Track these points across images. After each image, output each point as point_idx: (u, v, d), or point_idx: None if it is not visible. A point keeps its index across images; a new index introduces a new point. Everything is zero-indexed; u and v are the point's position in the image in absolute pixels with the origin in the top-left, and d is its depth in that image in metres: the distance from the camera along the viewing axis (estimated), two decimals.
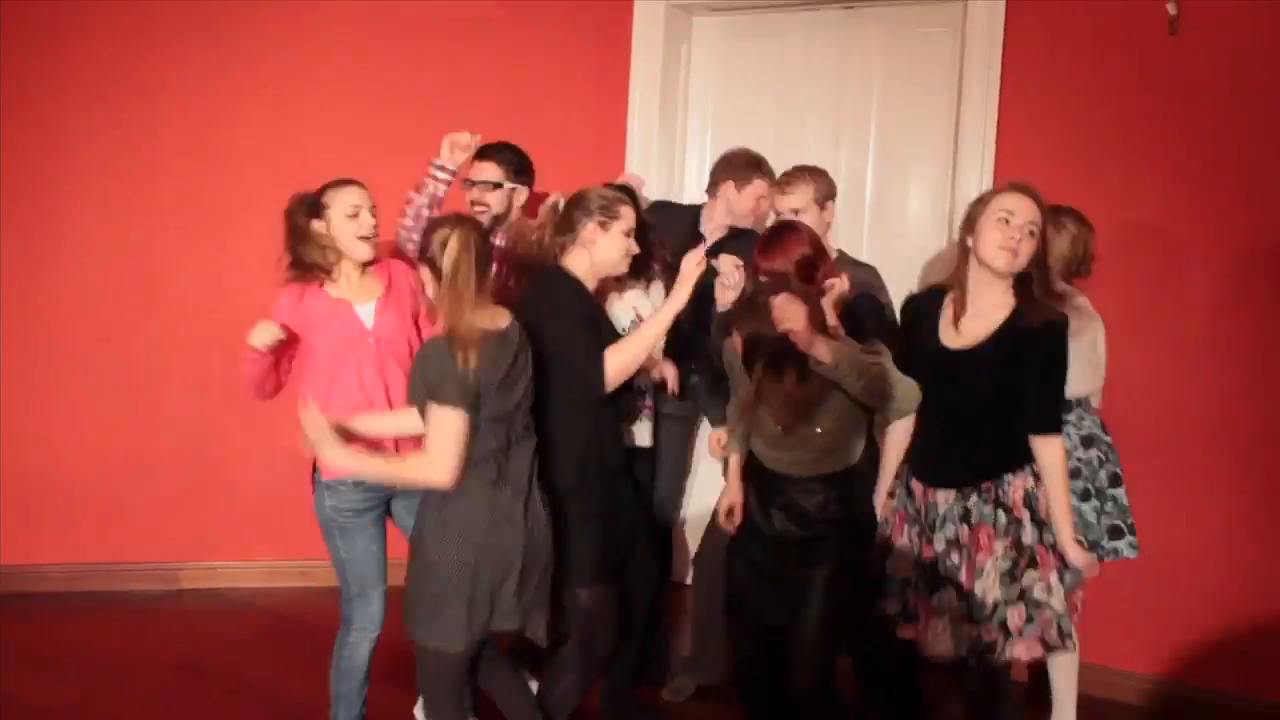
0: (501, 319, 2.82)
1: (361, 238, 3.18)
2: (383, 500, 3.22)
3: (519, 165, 3.78)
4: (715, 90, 4.98)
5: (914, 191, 4.57)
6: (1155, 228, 3.91)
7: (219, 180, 4.75)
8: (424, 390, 2.72)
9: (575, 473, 3.10)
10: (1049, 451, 2.91)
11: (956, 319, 2.97)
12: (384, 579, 3.27)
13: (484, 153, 3.73)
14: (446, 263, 2.74)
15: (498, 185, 3.72)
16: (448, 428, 2.69)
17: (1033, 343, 2.87)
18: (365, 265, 3.24)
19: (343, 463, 2.79)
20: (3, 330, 4.67)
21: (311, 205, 3.20)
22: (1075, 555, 2.89)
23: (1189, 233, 3.85)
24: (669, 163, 4.97)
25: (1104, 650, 3.93)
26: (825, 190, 3.57)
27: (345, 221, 3.17)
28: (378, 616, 3.27)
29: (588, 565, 3.12)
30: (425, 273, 2.83)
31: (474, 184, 3.73)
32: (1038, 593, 2.87)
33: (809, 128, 4.75)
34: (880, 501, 3.15)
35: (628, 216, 3.21)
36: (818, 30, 4.72)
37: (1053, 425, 2.93)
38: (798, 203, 3.51)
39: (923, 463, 3.06)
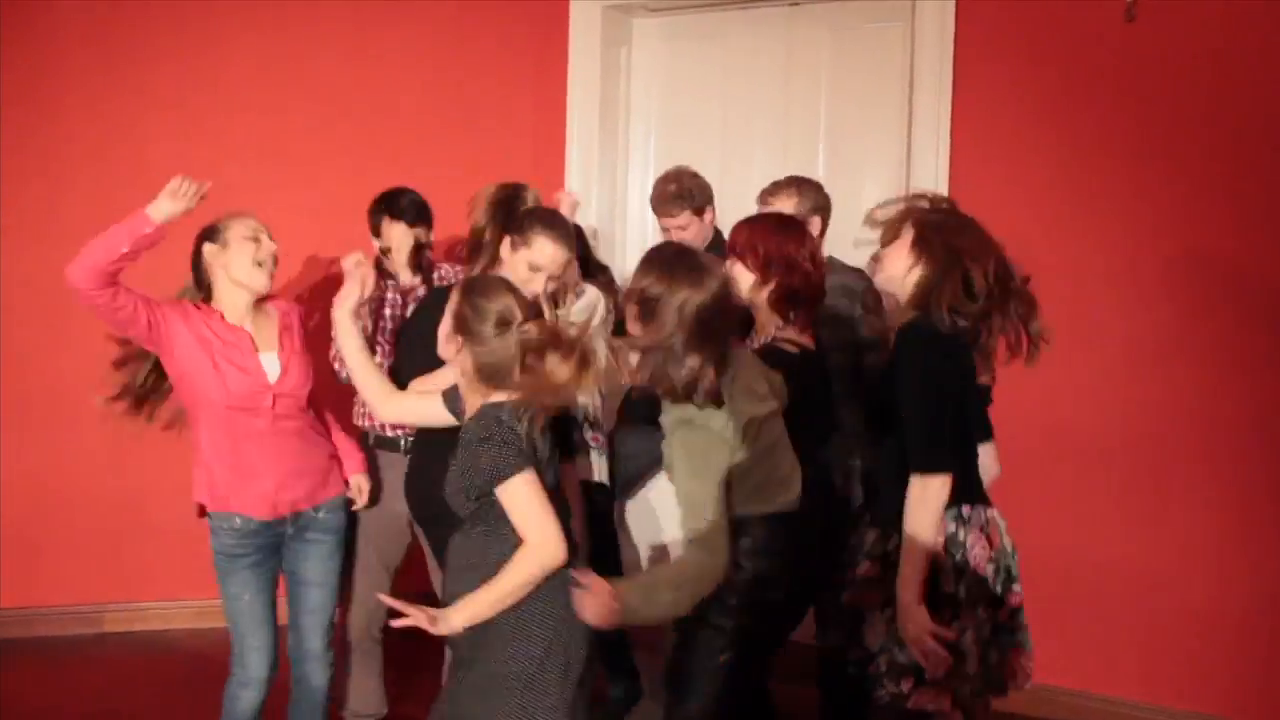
0: None
1: (257, 263, 2.98)
2: (263, 549, 3.04)
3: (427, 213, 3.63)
4: (658, 94, 4.83)
5: (868, 190, 4.39)
6: (1110, 224, 3.81)
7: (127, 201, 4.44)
8: (478, 476, 2.40)
9: None
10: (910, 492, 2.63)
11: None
12: (264, 631, 3.05)
13: (395, 211, 3.58)
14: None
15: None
16: (525, 497, 2.39)
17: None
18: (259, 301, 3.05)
19: (459, 620, 2.39)
20: None
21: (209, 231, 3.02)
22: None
23: (1150, 226, 3.75)
24: (611, 172, 4.81)
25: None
26: (813, 202, 3.42)
27: (243, 245, 2.97)
28: (256, 673, 3.05)
29: None
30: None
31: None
32: None
33: (756, 128, 4.60)
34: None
35: (539, 248, 2.99)
36: (762, 28, 4.58)
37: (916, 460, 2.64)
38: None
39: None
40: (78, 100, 4.49)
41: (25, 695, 3.99)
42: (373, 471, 3.37)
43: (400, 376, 3.05)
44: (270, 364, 3.04)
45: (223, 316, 3.02)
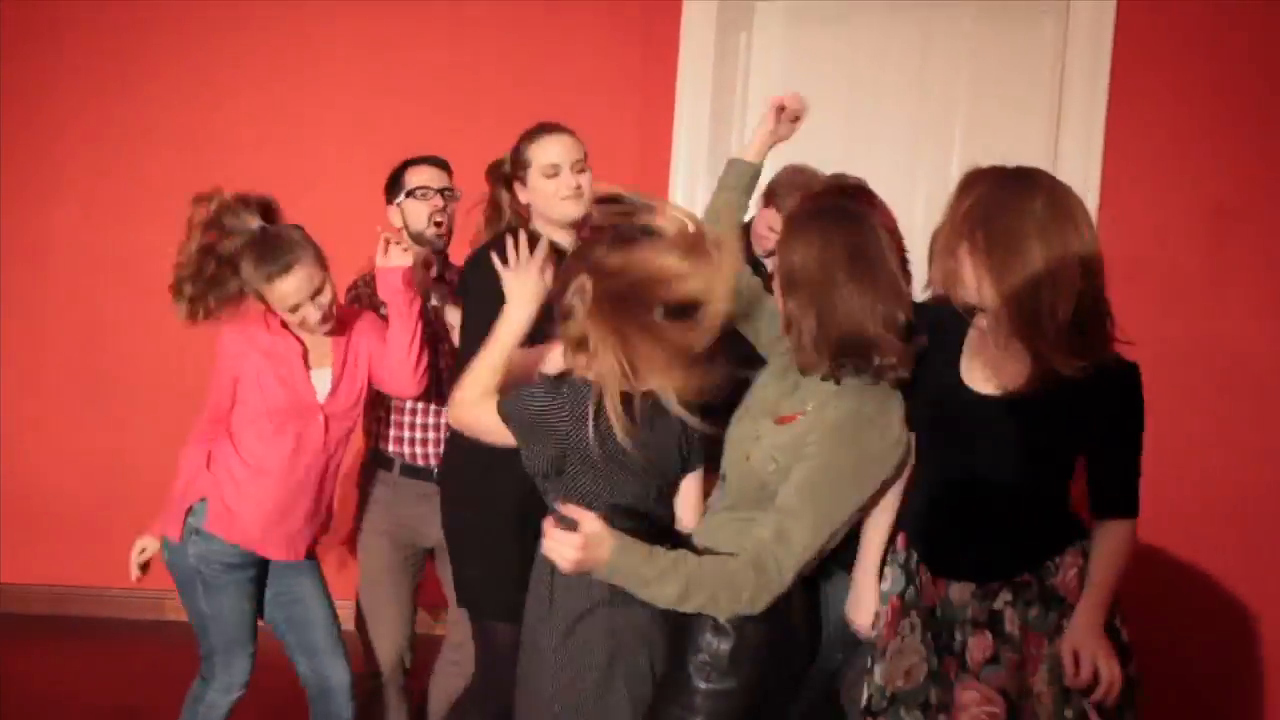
0: None
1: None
2: (259, 563, 2.90)
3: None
4: (778, 83, 4.40)
5: None
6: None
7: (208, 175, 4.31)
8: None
9: None
10: (1120, 536, 2.18)
11: (985, 353, 2.21)
12: (253, 639, 2.93)
13: (417, 158, 3.30)
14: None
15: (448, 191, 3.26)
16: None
17: (1101, 390, 2.11)
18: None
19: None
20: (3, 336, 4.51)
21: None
22: (1106, 665, 2.08)
23: None
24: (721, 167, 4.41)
25: None
26: None
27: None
28: (241, 678, 2.92)
29: None
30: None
31: (443, 192, 3.24)
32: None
33: (885, 122, 4.23)
34: (869, 595, 2.36)
35: (542, 147, 2.78)
36: (897, 15, 4.20)
37: (1132, 505, 2.20)
38: None
39: (930, 545, 2.30)
40: (164, 84, 4.46)
41: (84, 674, 3.98)
42: (375, 500, 3.19)
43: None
44: (321, 380, 2.82)
45: (282, 323, 2.81)
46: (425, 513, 3.06)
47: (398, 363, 2.84)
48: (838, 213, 2.18)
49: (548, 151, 2.77)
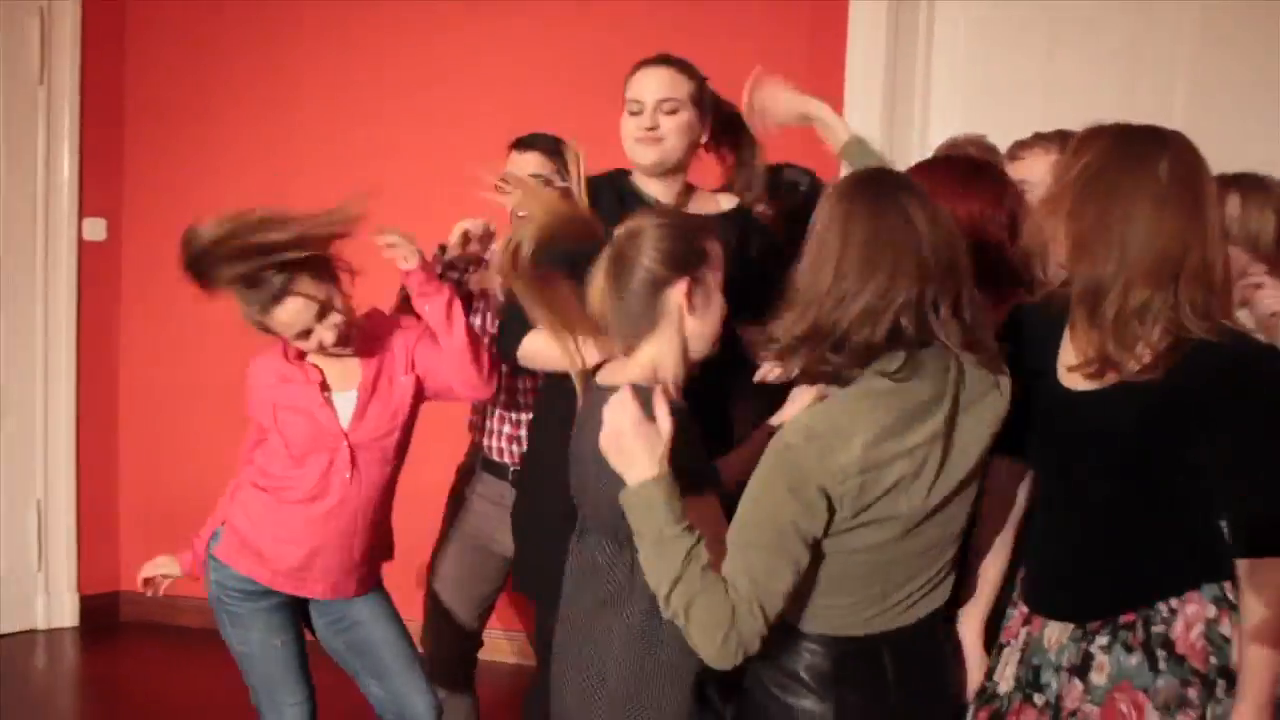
0: None
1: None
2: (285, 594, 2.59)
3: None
4: (963, 58, 3.95)
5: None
6: None
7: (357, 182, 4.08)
8: None
9: None
10: (1270, 579, 1.69)
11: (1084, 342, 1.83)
12: (299, 685, 2.59)
13: (524, 142, 2.99)
14: None
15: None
16: None
17: (1236, 387, 1.70)
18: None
19: None
20: (121, 351, 4.47)
21: None
22: None
23: None
24: (902, 151, 3.95)
25: None
26: None
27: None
28: None
29: None
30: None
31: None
32: None
33: (1092, 94, 3.69)
34: (971, 653, 2.03)
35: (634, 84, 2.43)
36: None
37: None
38: (1027, 173, 2.56)
39: (1028, 575, 1.97)
40: (306, 91, 4.29)
41: (203, 685, 3.85)
42: (467, 498, 2.93)
43: None
44: (345, 405, 2.51)
45: (300, 352, 2.53)
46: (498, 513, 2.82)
47: (456, 365, 2.53)
48: (865, 190, 1.79)
49: (634, 85, 2.41)
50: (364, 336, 2.56)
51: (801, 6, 3.95)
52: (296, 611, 2.62)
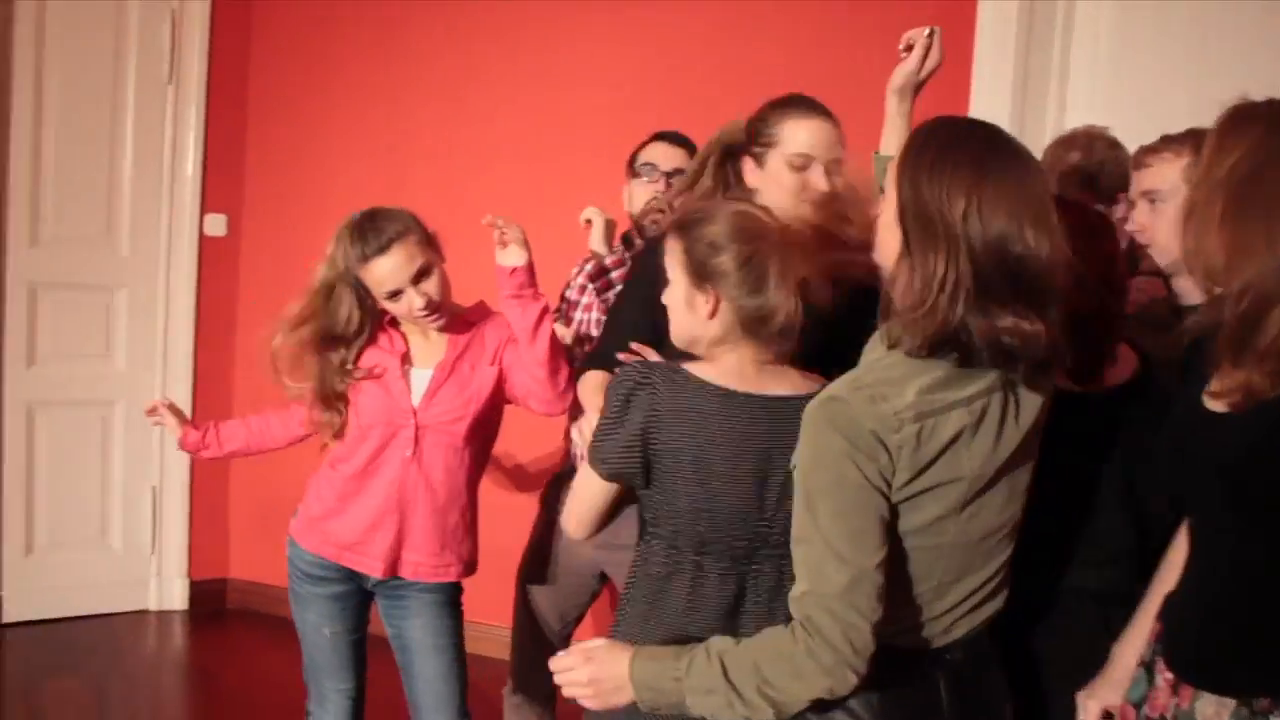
0: None
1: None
2: (348, 580, 2.56)
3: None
4: (1106, 51, 3.61)
5: None
6: None
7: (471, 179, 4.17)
8: None
9: None
10: None
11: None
12: (344, 677, 2.60)
13: (665, 136, 2.91)
14: None
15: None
16: None
17: None
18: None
19: None
20: (237, 343, 4.54)
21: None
22: None
23: None
24: (1035, 142, 3.66)
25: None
26: None
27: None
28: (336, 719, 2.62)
29: None
30: None
31: (672, 175, 2.81)
32: None
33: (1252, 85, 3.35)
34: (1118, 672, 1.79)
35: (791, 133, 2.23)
36: None
37: None
38: (1157, 182, 2.26)
39: (1173, 636, 1.67)
40: (419, 93, 4.32)
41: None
42: (557, 509, 2.75)
43: None
44: (419, 382, 2.45)
45: (393, 320, 2.51)
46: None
47: (532, 377, 2.44)
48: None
49: (804, 136, 2.18)
50: (459, 320, 2.53)
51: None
52: (359, 604, 2.60)
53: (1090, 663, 1.84)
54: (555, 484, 2.92)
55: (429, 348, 2.53)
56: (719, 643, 1.58)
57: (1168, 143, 2.31)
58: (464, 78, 4.24)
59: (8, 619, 4.20)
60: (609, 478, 1.79)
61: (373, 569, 2.51)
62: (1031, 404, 1.62)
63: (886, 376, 1.54)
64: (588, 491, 1.83)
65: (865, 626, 1.49)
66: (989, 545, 1.64)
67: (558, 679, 1.68)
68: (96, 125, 4.26)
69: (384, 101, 4.36)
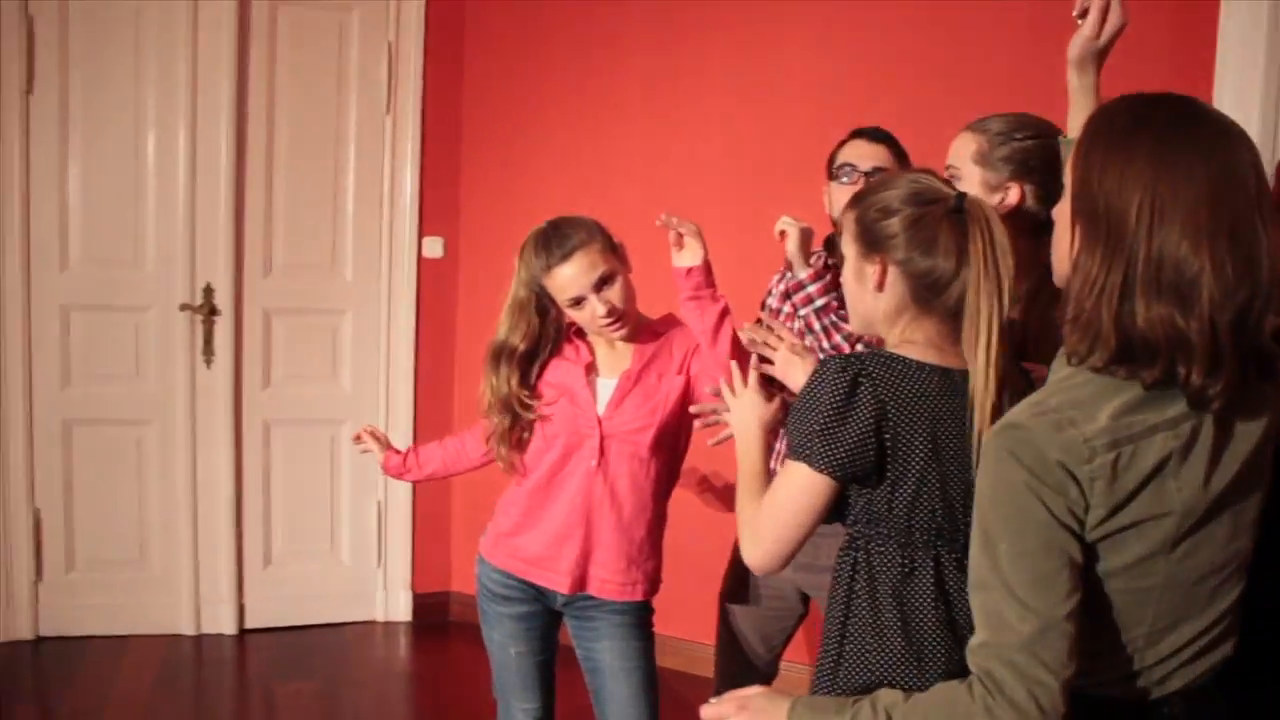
0: None
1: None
2: (536, 600, 2.56)
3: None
4: None
5: None
6: None
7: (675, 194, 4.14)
8: None
9: None
10: None
11: None
12: (536, 695, 2.61)
13: (864, 132, 2.78)
14: None
15: None
16: None
17: None
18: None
19: None
20: (456, 361, 4.68)
21: None
22: None
23: None
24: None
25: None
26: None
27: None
28: None
29: None
30: None
31: (871, 174, 2.65)
32: None
33: None
34: None
35: None
36: None
37: None
38: None
39: None
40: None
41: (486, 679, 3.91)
42: None
43: None
44: (604, 390, 2.41)
45: (578, 330, 2.49)
46: None
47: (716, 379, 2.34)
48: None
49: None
50: (646, 330, 2.51)
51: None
52: (546, 625, 2.60)
53: None
54: None
55: (615, 358, 2.50)
56: (887, 695, 1.45)
57: None
58: (667, 90, 4.22)
59: (249, 625, 4.48)
60: (841, 480, 1.66)
61: (560, 585, 2.49)
62: (1257, 419, 1.41)
63: (1074, 398, 1.36)
64: (798, 505, 1.68)
65: (1054, 684, 1.32)
66: (1210, 586, 1.43)
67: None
68: (321, 157, 4.49)
69: (589, 120, 4.39)
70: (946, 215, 1.67)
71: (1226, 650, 1.48)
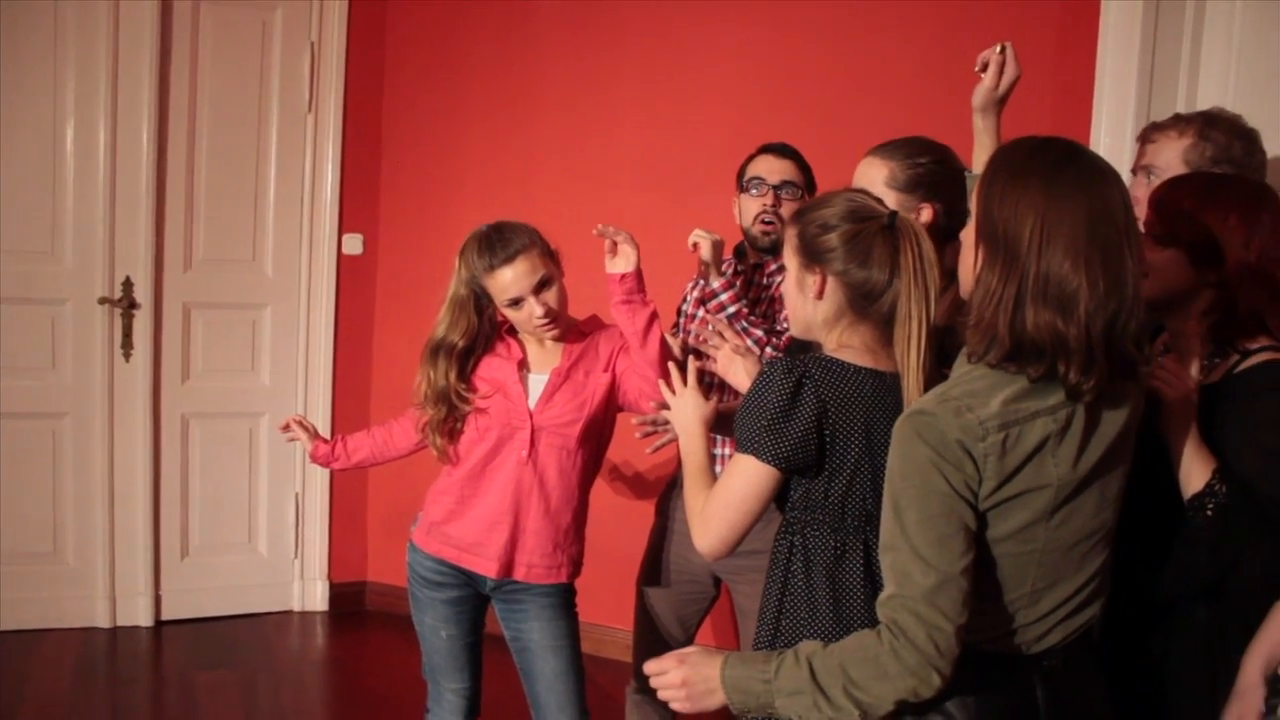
0: None
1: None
2: (466, 584, 2.69)
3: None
4: (1239, 43, 3.38)
5: None
6: None
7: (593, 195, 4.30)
8: None
9: None
10: None
11: None
12: (465, 676, 2.75)
13: (772, 148, 3.00)
14: None
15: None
16: None
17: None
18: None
19: None
20: (374, 356, 4.80)
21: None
22: None
23: None
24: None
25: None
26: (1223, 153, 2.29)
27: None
28: (452, 718, 2.76)
29: None
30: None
31: (780, 187, 2.89)
32: None
33: None
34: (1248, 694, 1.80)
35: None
36: None
37: None
38: (1154, 159, 2.34)
39: None
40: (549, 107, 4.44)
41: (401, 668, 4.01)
42: (671, 515, 2.94)
43: None
44: (536, 386, 2.57)
45: (510, 329, 2.64)
46: None
47: (644, 379, 2.52)
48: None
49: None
50: (574, 330, 2.67)
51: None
52: (475, 609, 2.73)
53: (1203, 669, 1.86)
54: (669, 490, 3.02)
55: (545, 355, 2.65)
56: (808, 645, 1.64)
57: (1175, 122, 2.36)
58: (586, 97, 4.36)
59: (166, 617, 4.51)
60: (786, 471, 1.83)
61: (488, 569, 2.62)
62: (1120, 410, 1.65)
63: (972, 389, 1.59)
64: (746, 493, 1.84)
65: (950, 629, 1.53)
66: (1081, 551, 1.66)
67: (653, 682, 1.75)
68: (243, 154, 4.53)
69: (509, 123, 4.51)
70: (880, 231, 1.86)
71: (1095, 610, 1.71)
